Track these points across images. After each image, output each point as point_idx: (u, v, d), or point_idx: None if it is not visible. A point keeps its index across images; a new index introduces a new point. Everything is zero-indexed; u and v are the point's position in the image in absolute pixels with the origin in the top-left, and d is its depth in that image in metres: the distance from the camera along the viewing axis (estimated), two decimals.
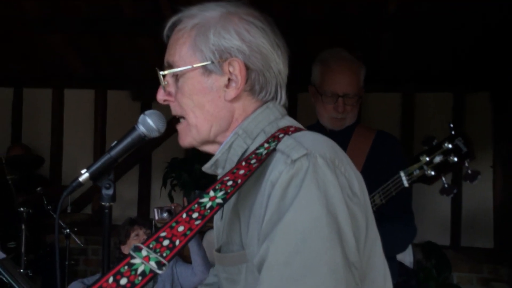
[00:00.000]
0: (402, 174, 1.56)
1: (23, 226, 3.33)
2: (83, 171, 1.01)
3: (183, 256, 3.13)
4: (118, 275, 0.68)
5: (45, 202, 3.63)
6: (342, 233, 0.80)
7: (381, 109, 4.24)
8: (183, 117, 1.00)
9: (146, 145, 4.60)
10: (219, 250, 0.98)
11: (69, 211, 4.22)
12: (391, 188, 1.59)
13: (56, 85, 4.73)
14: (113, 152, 1.02)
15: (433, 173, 1.50)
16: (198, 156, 3.88)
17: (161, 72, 0.98)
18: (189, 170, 4.02)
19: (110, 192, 1.04)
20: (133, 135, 1.02)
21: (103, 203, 1.04)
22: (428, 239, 4.09)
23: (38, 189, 3.64)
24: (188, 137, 1.00)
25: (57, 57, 4.28)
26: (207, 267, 2.74)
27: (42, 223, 3.90)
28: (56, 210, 1.08)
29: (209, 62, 0.94)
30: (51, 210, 3.60)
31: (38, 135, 4.78)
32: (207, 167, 1.02)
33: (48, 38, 4.04)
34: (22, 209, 3.33)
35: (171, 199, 4.13)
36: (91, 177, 1.01)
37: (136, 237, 2.83)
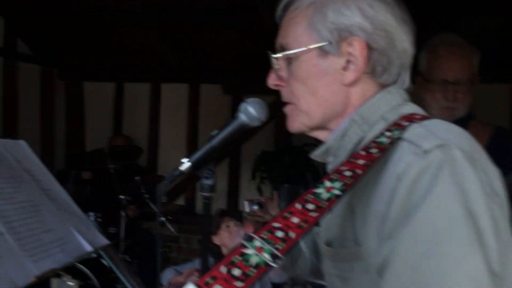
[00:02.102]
0: None
1: (122, 213, 3.51)
2: (184, 160, 1.00)
3: None
4: (231, 265, 0.63)
5: (143, 191, 3.80)
6: (484, 237, 0.69)
7: (489, 102, 3.88)
8: (293, 103, 0.93)
9: (237, 138, 4.67)
10: (329, 244, 0.90)
11: (164, 201, 4.38)
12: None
13: (154, 80, 4.94)
14: (214, 142, 1.00)
15: None
16: (289, 149, 3.84)
17: (273, 55, 0.92)
18: (279, 163, 3.99)
19: (210, 182, 1.02)
20: (234, 124, 0.99)
21: (203, 193, 1.03)
22: None
23: (137, 178, 3.82)
24: (296, 122, 0.93)
25: (154, 52, 4.47)
26: None
27: (140, 211, 4.10)
28: (152, 199, 1.08)
29: (326, 43, 0.86)
30: (148, 198, 3.76)
31: (137, 128, 5.03)
32: (317, 154, 0.94)
33: (145, 34, 4.22)
34: (122, 197, 3.51)
35: (260, 192, 4.14)
36: (193, 166, 1.00)
37: (227, 228, 2.86)
